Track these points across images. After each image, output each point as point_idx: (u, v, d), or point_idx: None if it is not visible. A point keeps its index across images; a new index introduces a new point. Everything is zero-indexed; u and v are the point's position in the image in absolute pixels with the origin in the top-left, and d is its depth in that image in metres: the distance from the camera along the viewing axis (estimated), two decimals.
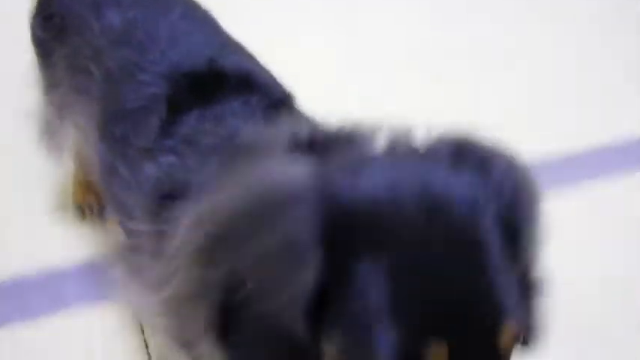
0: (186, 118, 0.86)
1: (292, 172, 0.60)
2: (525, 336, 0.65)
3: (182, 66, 0.90)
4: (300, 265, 0.56)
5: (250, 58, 1.00)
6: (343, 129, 0.68)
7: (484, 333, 0.56)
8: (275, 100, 0.90)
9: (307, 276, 0.56)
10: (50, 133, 1.20)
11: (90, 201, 1.36)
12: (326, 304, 0.57)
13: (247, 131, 0.81)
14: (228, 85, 0.89)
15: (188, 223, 0.68)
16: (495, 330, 0.56)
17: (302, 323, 0.57)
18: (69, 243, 1.34)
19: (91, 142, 0.97)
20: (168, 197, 0.81)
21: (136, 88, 0.90)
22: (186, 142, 0.84)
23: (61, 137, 1.16)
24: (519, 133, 1.13)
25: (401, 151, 0.64)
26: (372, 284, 0.55)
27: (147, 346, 1.19)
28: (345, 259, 0.56)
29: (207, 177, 0.78)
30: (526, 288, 0.67)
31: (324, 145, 0.66)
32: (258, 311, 0.59)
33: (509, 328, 0.57)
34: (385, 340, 0.54)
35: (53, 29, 1.04)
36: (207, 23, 1.03)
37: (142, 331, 1.20)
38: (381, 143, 0.65)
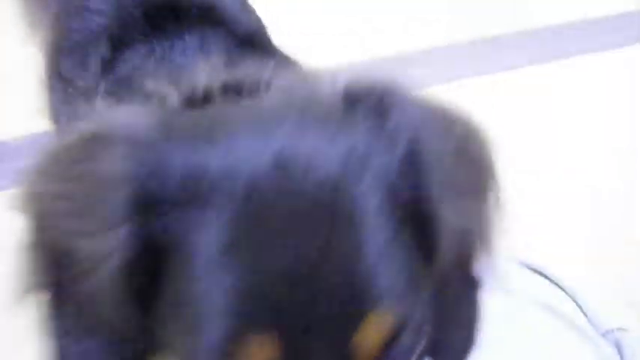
0: (130, 55, 0.77)
1: (130, 119, 0.52)
2: (415, 335, 0.51)
3: None
4: (107, 226, 0.49)
5: None
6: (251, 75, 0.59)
7: (333, 325, 0.47)
8: (240, 36, 0.80)
9: (118, 234, 0.49)
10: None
11: None
12: (143, 280, 0.50)
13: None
14: (185, 16, 0.79)
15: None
16: (348, 322, 0.47)
17: (118, 297, 0.50)
18: None
19: (45, 74, 0.90)
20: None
21: (82, 18, 0.83)
22: (125, 83, 0.75)
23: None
24: None
25: (285, 101, 0.55)
26: (200, 264, 0.48)
27: None
28: (169, 227, 0.49)
29: None
30: (454, 295, 0.58)
31: (219, 98, 0.57)
32: (76, 276, 0.52)
33: (376, 320, 0.48)
34: (211, 328, 0.47)
35: None
36: None
37: None
38: (270, 97, 0.56)
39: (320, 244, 0.48)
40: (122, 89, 0.74)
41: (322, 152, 0.50)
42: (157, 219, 0.49)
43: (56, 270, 0.54)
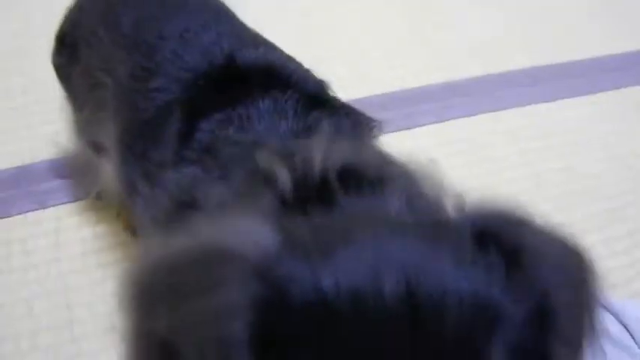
0: (206, 125, 0.76)
1: (246, 234, 0.50)
2: None
3: (197, 66, 0.81)
4: (229, 352, 0.46)
5: (274, 49, 0.88)
6: (363, 169, 0.57)
7: None
8: (308, 95, 0.78)
9: None
10: (84, 170, 1.12)
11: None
12: None
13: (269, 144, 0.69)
14: (250, 82, 0.78)
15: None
16: None
17: None
18: None
19: (113, 162, 0.90)
20: (186, 207, 0.71)
21: (148, 96, 0.82)
22: (207, 151, 0.74)
23: (94, 172, 1.07)
24: None
25: (409, 223, 0.52)
26: None
27: None
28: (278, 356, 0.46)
29: (227, 190, 0.68)
30: None
31: (336, 190, 0.55)
32: None
33: None
34: None
35: (67, 50, 0.99)
36: (221, 15, 0.93)
37: None
38: (395, 202, 0.54)
39: None
40: (206, 157, 0.73)
41: (456, 296, 0.46)
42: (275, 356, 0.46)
43: None
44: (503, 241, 0.50)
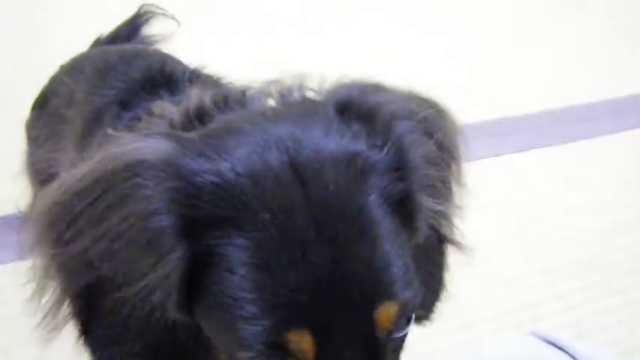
0: (137, 112, 0.91)
1: (146, 147, 0.58)
2: (420, 311, 0.62)
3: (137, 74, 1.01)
4: (160, 247, 0.55)
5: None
6: (236, 89, 0.69)
7: (357, 315, 0.54)
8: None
9: (170, 260, 0.55)
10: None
11: None
12: (193, 286, 0.56)
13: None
14: (176, 84, 0.96)
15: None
16: (371, 311, 0.54)
17: (174, 306, 0.57)
18: None
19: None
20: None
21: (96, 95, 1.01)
22: (134, 123, 0.87)
23: None
24: None
25: (281, 110, 0.62)
26: (235, 261, 0.54)
27: None
28: (205, 239, 0.55)
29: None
30: (427, 251, 0.67)
31: (211, 110, 0.65)
32: (120, 299, 0.58)
33: (388, 307, 0.55)
34: (249, 329, 0.53)
35: (40, 108, 1.20)
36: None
37: None
38: (269, 101, 0.65)
39: (340, 244, 0.54)
40: (132, 127, 0.83)
41: (330, 157, 0.56)
42: (199, 240, 0.55)
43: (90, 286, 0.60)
44: (360, 106, 0.61)
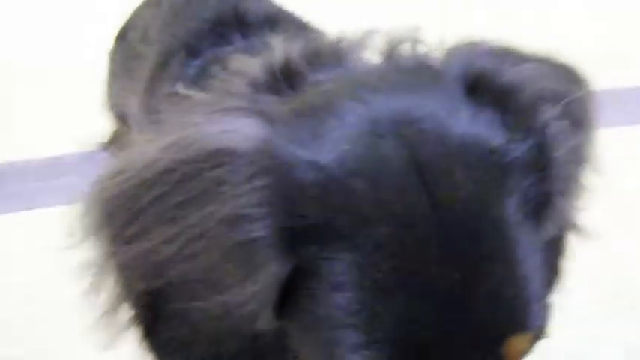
0: (199, 61, 0.85)
1: (234, 130, 0.47)
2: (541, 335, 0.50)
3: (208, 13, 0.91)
4: (251, 259, 0.45)
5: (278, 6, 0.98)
6: (333, 43, 0.57)
7: (483, 351, 0.45)
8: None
9: (264, 276, 0.45)
10: None
11: None
12: (288, 296, 0.47)
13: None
14: (250, 26, 0.87)
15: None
16: (500, 345, 0.45)
17: (264, 320, 0.47)
18: None
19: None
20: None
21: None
22: (205, 73, 0.79)
23: None
24: None
25: (392, 77, 0.50)
26: (341, 279, 0.45)
27: None
28: (305, 250, 0.45)
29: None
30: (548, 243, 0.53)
31: (302, 69, 0.53)
32: (199, 306, 0.49)
33: (521, 341, 0.46)
34: (352, 357, 0.45)
35: (120, 40, 1.14)
36: None
37: None
38: (372, 60, 0.53)
39: (471, 269, 0.44)
40: (201, 81, 0.73)
41: (461, 152, 0.45)
42: (299, 252, 0.45)
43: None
44: (496, 84, 0.49)
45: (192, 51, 0.85)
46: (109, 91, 1.19)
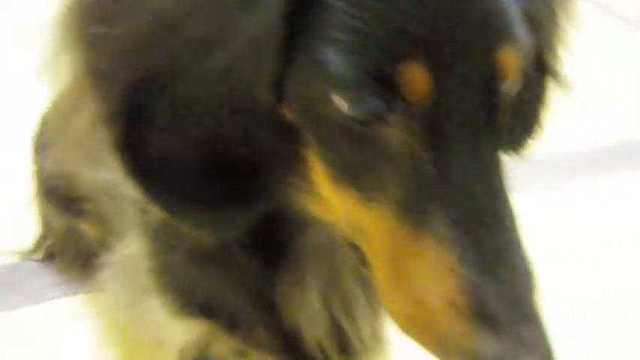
0: None
1: None
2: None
3: None
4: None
5: None
6: None
7: (476, 57, 0.47)
8: None
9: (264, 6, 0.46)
10: None
11: None
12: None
13: None
14: None
15: None
16: (491, 53, 0.48)
17: (263, 85, 0.48)
18: None
19: None
20: None
21: None
22: None
23: None
24: None
25: None
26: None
27: None
28: None
29: None
30: (527, 80, 0.56)
31: None
32: (184, 98, 0.49)
33: (510, 51, 0.48)
34: (352, 57, 0.45)
35: None
36: None
37: None
38: None
39: None
40: None
41: None
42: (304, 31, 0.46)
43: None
44: None
45: None
46: None
